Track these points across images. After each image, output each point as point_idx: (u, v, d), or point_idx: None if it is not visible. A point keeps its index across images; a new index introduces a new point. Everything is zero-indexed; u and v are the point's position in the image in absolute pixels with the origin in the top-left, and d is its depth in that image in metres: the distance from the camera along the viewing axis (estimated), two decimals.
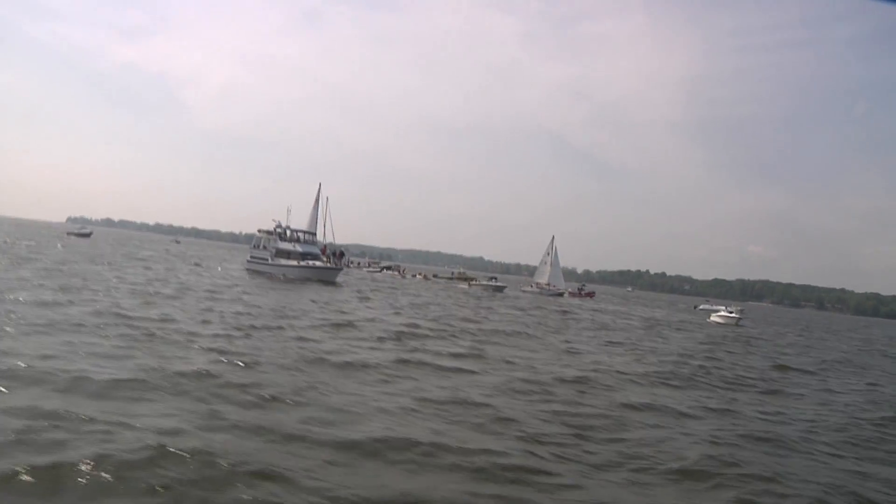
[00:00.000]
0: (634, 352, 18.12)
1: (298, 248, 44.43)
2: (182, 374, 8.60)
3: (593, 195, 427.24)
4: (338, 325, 16.45)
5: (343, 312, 20.71)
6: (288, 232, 45.76)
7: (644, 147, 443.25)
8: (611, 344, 19.94)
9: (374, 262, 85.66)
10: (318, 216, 71.10)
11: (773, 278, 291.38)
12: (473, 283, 63.41)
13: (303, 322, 16.49)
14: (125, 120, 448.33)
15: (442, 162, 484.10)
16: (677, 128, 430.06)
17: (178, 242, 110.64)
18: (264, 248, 45.66)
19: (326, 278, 41.91)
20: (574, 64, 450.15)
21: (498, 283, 63.04)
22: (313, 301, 24.08)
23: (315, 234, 47.58)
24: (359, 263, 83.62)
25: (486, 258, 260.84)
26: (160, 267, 36.43)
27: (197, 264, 45.65)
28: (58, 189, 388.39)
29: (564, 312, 35.18)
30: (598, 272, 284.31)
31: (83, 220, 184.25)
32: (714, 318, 44.02)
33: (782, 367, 17.98)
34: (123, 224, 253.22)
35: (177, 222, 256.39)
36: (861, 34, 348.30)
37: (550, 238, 72.59)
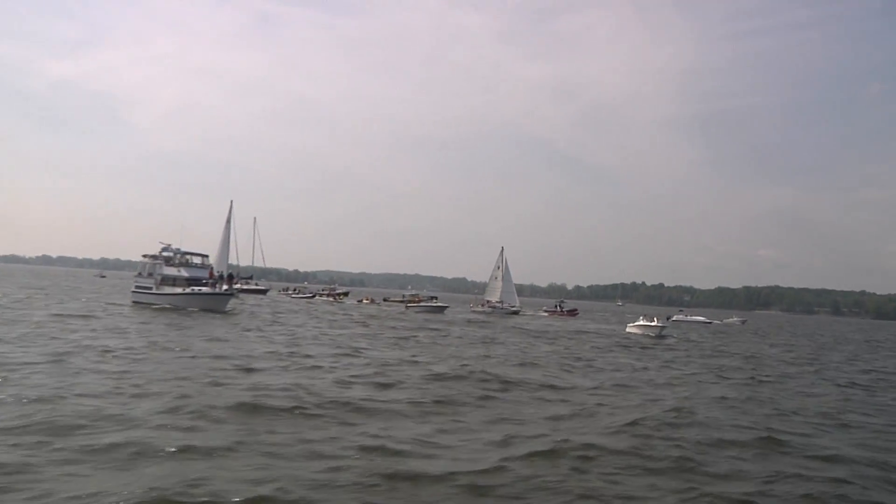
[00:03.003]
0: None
1: (184, 272, 42.89)
2: None
3: (584, 204, 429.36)
4: None
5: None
6: (177, 256, 44.33)
7: (637, 148, 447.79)
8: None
9: (305, 288, 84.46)
10: (231, 237, 71.56)
11: (786, 283, 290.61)
12: (411, 305, 62.20)
13: None
14: (64, 144, 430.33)
15: (419, 176, 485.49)
16: (672, 125, 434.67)
17: (103, 276, 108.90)
18: (150, 275, 44.11)
19: (214, 307, 40.31)
20: (556, 62, 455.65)
21: (438, 304, 61.83)
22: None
23: (208, 255, 46.17)
24: (297, 290, 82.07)
25: (470, 279, 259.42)
26: None
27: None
28: None
29: (441, 335, 33.39)
30: (590, 287, 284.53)
31: (14, 259, 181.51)
32: (631, 328, 41.49)
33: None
34: (63, 260, 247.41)
35: (125, 255, 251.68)
36: (871, 9, 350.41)
37: (500, 250, 71.52)
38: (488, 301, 69.57)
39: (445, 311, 60.21)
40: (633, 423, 10.60)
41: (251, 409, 10.37)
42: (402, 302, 67.20)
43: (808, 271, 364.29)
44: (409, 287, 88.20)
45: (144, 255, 45.17)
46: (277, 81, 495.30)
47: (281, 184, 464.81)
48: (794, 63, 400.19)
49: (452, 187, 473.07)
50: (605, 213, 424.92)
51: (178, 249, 44.61)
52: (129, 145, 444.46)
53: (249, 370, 14.61)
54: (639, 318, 41.48)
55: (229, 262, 71.33)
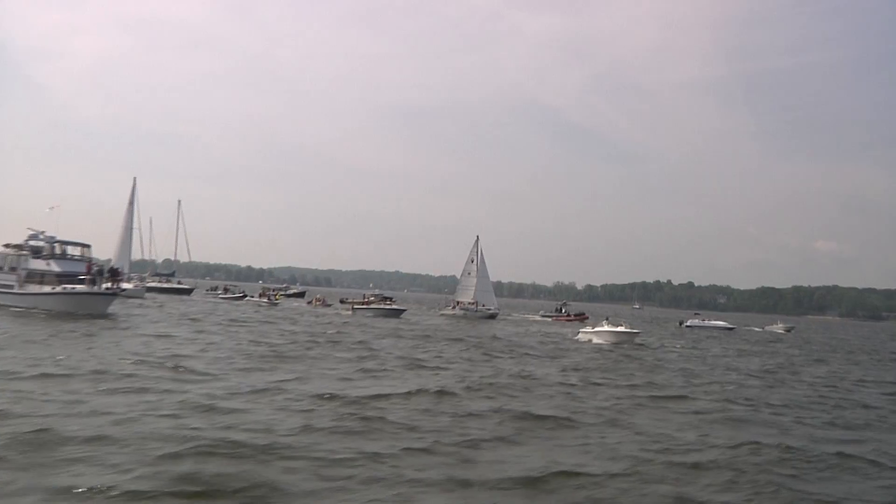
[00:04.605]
0: None
1: (55, 267, 41.13)
2: None
3: (598, 185, 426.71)
4: None
5: None
6: (48, 246, 42.55)
7: (665, 117, 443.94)
8: None
9: (236, 287, 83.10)
10: (134, 224, 69.74)
11: (847, 283, 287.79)
12: (358, 307, 60.63)
13: None
14: None
15: (398, 153, 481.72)
16: (709, 89, 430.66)
17: None
18: (12, 269, 42.37)
19: (92, 309, 38.62)
20: (566, 13, 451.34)
21: (394, 307, 60.17)
22: None
23: (90, 246, 44.33)
24: (226, 289, 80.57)
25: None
26: None
27: None
28: None
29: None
30: (603, 287, 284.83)
31: None
32: (585, 334, 38.31)
33: None
34: None
35: None
36: None
37: (475, 239, 70.05)
38: (459, 302, 68.30)
39: (403, 315, 58.64)
40: None
41: None
42: (348, 303, 65.76)
43: (876, 268, 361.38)
44: (371, 285, 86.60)
45: (6, 245, 43.38)
46: (227, 36, 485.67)
47: (228, 162, 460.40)
48: (866, 7, 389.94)
49: (438, 166, 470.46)
50: (624, 197, 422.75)
51: (52, 237, 42.79)
52: (39, 111, 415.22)
53: None
54: (601, 321, 39.33)
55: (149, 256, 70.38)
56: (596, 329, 38.08)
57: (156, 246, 79.96)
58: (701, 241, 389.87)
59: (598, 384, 19.85)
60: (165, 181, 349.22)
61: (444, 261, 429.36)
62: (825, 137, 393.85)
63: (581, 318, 72.90)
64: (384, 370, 20.92)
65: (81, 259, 42.79)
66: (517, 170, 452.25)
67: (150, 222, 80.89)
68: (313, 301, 75.69)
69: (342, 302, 72.09)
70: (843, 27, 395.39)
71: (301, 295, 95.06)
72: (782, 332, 79.15)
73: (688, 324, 73.15)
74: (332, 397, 15.11)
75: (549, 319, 73.09)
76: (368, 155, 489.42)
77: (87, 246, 44.37)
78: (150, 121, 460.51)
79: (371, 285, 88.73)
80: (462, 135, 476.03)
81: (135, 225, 66.99)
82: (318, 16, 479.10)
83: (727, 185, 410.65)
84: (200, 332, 30.54)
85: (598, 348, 33.32)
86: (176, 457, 9.47)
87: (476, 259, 69.09)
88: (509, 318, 72.74)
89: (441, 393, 16.51)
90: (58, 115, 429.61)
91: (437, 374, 20.42)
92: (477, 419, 13.63)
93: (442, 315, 66.14)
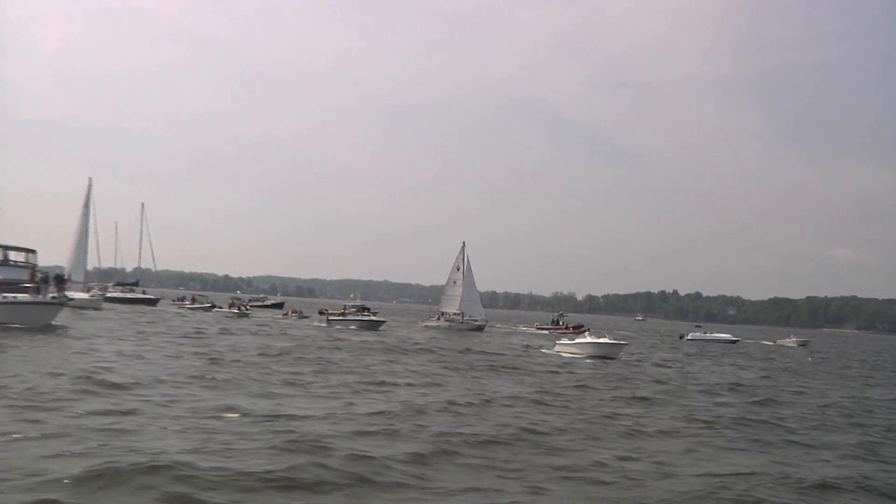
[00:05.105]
0: None
1: None
2: None
3: (599, 188, 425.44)
4: None
5: None
6: None
7: (670, 116, 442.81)
8: None
9: (205, 298, 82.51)
10: (90, 228, 68.98)
11: (866, 293, 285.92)
12: (333, 318, 60.00)
13: None
14: None
15: (384, 155, 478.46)
16: (717, 86, 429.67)
17: None
18: None
19: (36, 320, 37.76)
20: (568, 6, 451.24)
21: (373, 318, 59.41)
22: None
23: (35, 251, 43.76)
24: (194, 299, 79.91)
25: None
26: None
27: None
28: None
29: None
30: (605, 297, 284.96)
31: None
32: (562, 346, 37.30)
33: None
34: None
35: None
36: None
37: (461, 245, 69.50)
38: (444, 313, 67.69)
39: (382, 327, 57.92)
40: None
41: None
42: (326, 314, 65.03)
43: None
44: (352, 294, 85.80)
45: None
46: (198, 25, 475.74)
47: (204, 163, 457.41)
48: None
49: (430, 167, 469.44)
50: (625, 198, 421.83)
51: None
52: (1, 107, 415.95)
53: None
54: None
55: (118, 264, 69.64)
56: (576, 340, 37.35)
57: (121, 253, 79.34)
58: (707, 248, 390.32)
59: (553, 401, 19.19)
60: (133, 183, 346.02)
61: (435, 270, 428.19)
62: (845, 140, 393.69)
63: (579, 330, 72.33)
64: (326, 386, 20.22)
65: (25, 265, 42.14)
66: (514, 170, 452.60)
67: (116, 227, 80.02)
68: (289, 312, 75.09)
69: (321, 313, 71.30)
70: (866, 22, 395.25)
71: (280, 305, 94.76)
72: (795, 346, 78.47)
73: (688, 337, 72.61)
74: (245, 415, 14.45)
75: (545, 332, 72.54)
76: (356, 155, 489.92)
77: (32, 251, 43.76)
78: (115, 115, 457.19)
79: (352, 295, 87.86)
80: (455, 133, 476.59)
81: (91, 229, 65.99)
82: (300, 7, 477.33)
83: (733, 186, 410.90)
84: (142, 344, 29.76)
85: (574, 361, 32.73)
86: (21, 489, 8.74)
87: (462, 267, 68.48)
88: (498, 330, 72.13)
89: (376, 413, 15.83)
90: (21, 112, 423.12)
91: (379, 392, 19.74)
92: (399, 439, 12.97)
93: (425, 327, 65.47)
